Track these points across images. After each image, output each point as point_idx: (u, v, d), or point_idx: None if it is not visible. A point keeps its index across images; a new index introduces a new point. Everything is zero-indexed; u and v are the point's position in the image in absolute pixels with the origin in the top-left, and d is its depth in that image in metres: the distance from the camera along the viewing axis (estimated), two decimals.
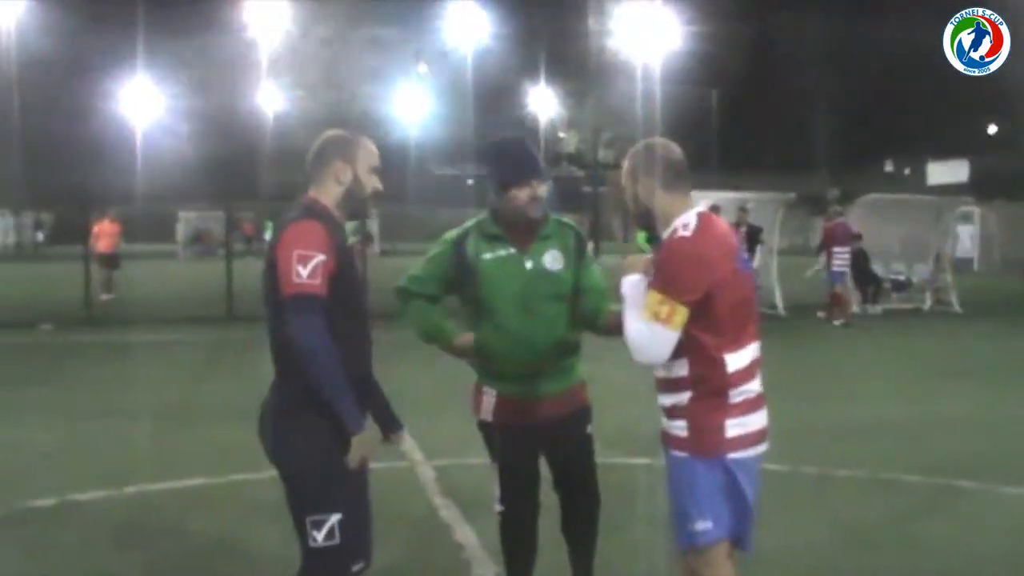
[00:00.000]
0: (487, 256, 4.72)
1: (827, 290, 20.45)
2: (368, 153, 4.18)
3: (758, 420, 3.89)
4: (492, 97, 70.22)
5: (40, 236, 59.39)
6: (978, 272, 37.27)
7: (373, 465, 4.18)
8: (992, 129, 76.44)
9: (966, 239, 39.09)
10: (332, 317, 3.86)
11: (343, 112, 78.96)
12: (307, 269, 3.82)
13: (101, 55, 63.97)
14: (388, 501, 4.07)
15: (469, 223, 4.88)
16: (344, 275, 3.96)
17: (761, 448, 3.91)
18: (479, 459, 4.79)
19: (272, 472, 4.08)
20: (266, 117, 74.83)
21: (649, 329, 3.75)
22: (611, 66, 65.21)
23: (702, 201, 21.63)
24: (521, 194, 4.67)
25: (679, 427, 3.85)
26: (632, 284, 3.91)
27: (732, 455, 3.81)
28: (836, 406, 10.99)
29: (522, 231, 4.76)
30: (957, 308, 21.98)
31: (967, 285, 24.10)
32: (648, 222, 4.02)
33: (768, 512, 5.53)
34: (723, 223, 4.05)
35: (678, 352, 3.80)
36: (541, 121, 74.62)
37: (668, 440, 3.91)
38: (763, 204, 22.51)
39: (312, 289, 3.83)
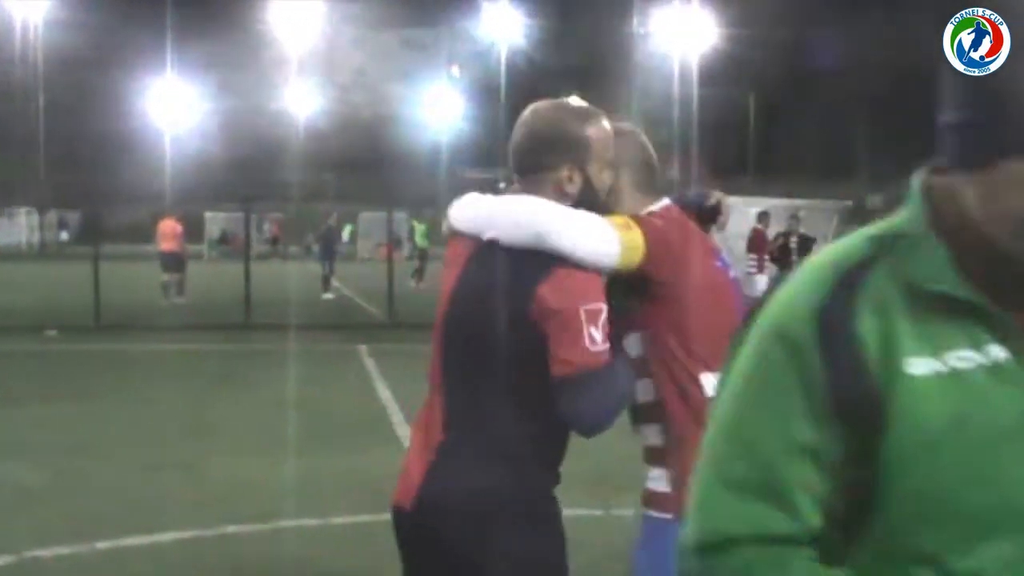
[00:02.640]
0: (920, 367, 1.34)
1: None
2: (603, 141, 2.82)
3: None
4: (526, 100, 69.09)
5: (64, 235, 58.57)
6: None
7: None
8: None
9: None
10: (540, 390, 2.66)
11: (373, 114, 78.04)
12: (600, 331, 2.62)
13: (129, 54, 63.29)
14: None
15: (854, 244, 1.43)
16: None
17: None
18: None
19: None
20: (296, 118, 73.88)
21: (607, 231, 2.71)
22: (648, 68, 63.93)
23: (753, 208, 20.57)
24: None
25: (657, 478, 2.81)
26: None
27: None
28: None
29: None
30: None
31: None
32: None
33: None
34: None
35: (640, 370, 2.79)
36: None
37: (644, 497, 2.84)
38: (816, 212, 21.22)
39: (603, 359, 2.63)
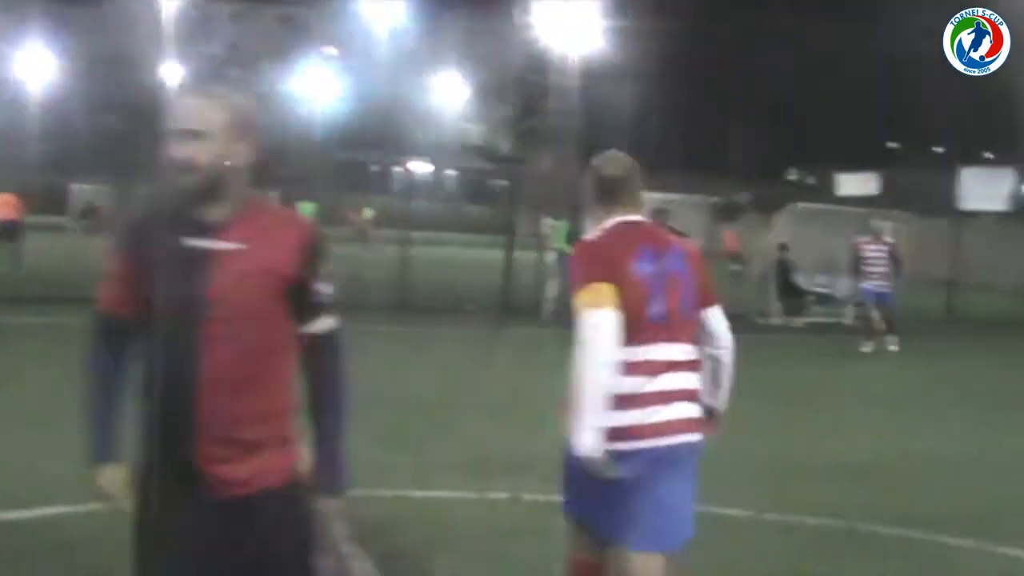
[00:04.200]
0: None
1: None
2: (228, 118, 3.20)
3: None
4: (402, 84, 68.88)
5: None
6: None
7: None
8: (892, 144, 77.41)
9: None
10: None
11: (247, 89, 76.88)
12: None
13: None
14: None
15: None
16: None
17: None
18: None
19: None
20: (168, 90, 72.34)
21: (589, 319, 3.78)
22: (526, 57, 64.16)
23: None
24: None
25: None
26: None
27: None
28: (789, 439, 10.05)
29: None
30: (880, 325, 21.38)
31: None
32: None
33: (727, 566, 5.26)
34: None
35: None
36: (447, 111, 73.44)
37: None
38: (685, 206, 21.72)
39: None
